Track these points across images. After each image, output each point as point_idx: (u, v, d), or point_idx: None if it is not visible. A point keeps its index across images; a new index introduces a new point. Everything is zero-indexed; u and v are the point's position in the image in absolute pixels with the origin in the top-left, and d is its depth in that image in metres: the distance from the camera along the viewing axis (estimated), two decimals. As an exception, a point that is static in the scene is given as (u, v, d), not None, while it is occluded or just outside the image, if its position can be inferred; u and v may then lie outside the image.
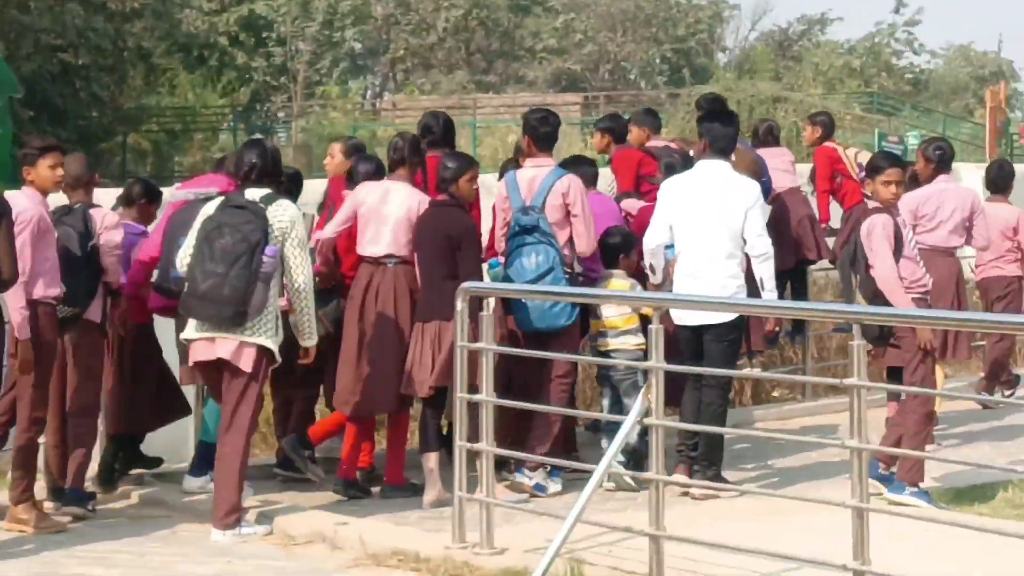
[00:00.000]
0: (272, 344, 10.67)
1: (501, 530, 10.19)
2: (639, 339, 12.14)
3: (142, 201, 12.59)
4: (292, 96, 49.21)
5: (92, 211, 11.63)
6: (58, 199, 11.92)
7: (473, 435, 10.04)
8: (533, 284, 11.68)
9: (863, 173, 16.44)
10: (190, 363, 11.25)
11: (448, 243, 11.58)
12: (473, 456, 10.12)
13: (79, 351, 11.50)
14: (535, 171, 12.33)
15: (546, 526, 10.21)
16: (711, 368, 11.71)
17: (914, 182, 14.50)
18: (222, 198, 11.05)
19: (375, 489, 12.56)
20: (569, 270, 12.02)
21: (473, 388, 10.11)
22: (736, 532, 9.65)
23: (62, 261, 11.21)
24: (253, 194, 10.86)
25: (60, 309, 11.21)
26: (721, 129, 12.49)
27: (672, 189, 12.37)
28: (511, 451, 11.29)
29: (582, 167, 13.40)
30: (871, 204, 12.28)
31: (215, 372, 10.89)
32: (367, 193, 12.05)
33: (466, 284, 10.25)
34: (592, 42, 59.56)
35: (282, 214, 10.71)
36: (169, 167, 39.50)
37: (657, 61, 62.44)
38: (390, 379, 11.86)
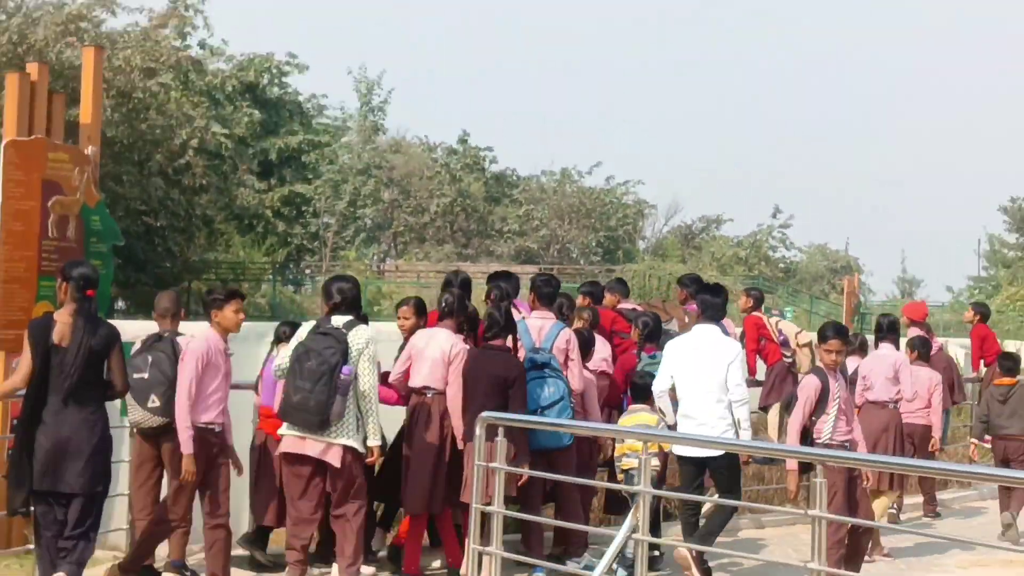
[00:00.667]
0: (354, 443, 10.30)
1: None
2: (655, 462, 11.29)
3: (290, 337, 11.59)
4: (322, 257, 48.97)
5: (179, 339, 11.03)
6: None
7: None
8: (547, 409, 11.25)
9: (781, 336, 16.22)
10: (277, 453, 10.86)
11: (502, 383, 10.99)
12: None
13: (174, 454, 10.71)
14: (541, 321, 11.96)
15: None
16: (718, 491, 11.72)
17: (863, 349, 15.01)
18: (313, 323, 10.78)
19: None
20: (573, 401, 11.54)
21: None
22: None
23: (155, 381, 10.69)
24: (338, 320, 10.58)
25: (154, 419, 10.70)
26: (712, 300, 12.28)
27: (675, 348, 12.08)
28: (518, 555, 10.71)
29: (511, 280, 13.06)
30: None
31: (298, 464, 10.49)
32: (417, 339, 11.61)
33: (484, 414, 9.83)
34: (546, 227, 59.74)
35: (359, 338, 10.47)
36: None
37: (594, 244, 62.46)
38: (423, 485, 11.22)
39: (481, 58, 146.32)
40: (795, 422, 11.29)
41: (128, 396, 10.58)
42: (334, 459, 10.27)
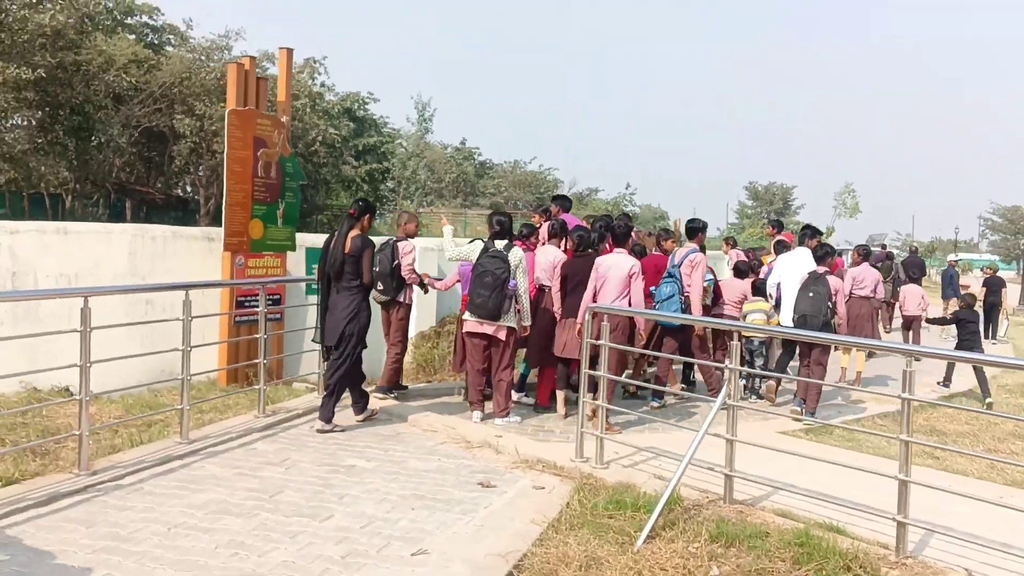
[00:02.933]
0: (513, 324, 8.19)
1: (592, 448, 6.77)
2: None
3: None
4: (394, 204, 46.24)
5: (399, 244, 8.98)
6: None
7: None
8: (664, 302, 9.01)
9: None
10: (463, 332, 8.47)
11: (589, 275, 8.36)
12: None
13: (395, 316, 8.99)
14: (685, 249, 9.39)
15: (628, 451, 7.04)
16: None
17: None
18: (482, 245, 8.41)
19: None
20: (684, 297, 9.10)
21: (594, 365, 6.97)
22: (789, 470, 6.25)
23: (382, 274, 8.76)
24: (500, 244, 8.30)
25: (381, 296, 8.86)
26: (801, 233, 10.53)
27: (782, 262, 10.11)
28: (619, 408, 7.96)
29: (564, 200, 10.40)
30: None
31: (478, 339, 8.24)
32: (538, 253, 8.98)
33: (592, 304, 7.26)
34: (507, 192, 56.93)
35: (515, 257, 8.20)
36: (338, 231, 36.26)
37: (531, 202, 59.25)
38: (544, 347, 8.70)
39: (471, 90, 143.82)
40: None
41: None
42: (501, 335, 8.18)
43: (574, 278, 8.44)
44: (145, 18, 31.14)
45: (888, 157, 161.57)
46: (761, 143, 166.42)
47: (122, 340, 7.98)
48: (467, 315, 8.28)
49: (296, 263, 10.63)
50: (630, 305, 7.95)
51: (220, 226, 9.57)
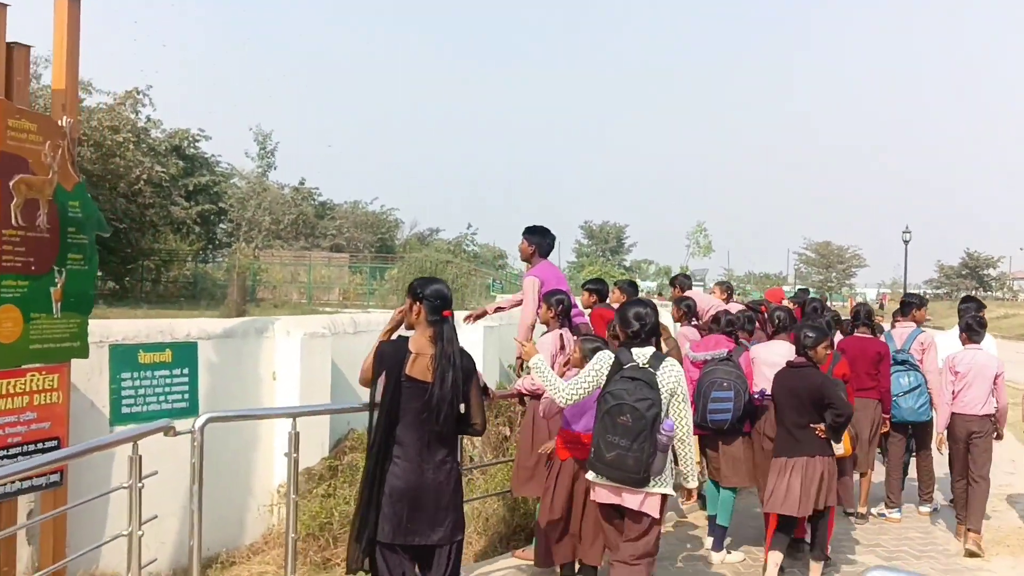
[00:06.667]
0: (670, 489, 4.16)
1: None
2: None
3: None
4: (234, 245, 40.50)
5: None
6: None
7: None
8: (907, 394, 6.94)
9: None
10: (592, 499, 4.34)
11: (810, 396, 5.15)
12: None
13: None
14: (903, 329, 7.40)
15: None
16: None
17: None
18: (611, 357, 4.15)
19: None
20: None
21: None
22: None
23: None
24: (641, 355, 4.11)
25: None
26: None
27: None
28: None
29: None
30: None
31: (614, 511, 4.23)
32: (760, 349, 6.18)
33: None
34: (349, 233, 52.46)
35: (670, 376, 4.07)
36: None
37: (373, 243, 55.17)
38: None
39: (314, 128, 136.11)
40: None
41: None
42: (652, 510, 4.11)
43: (787, 396, 5.18)
44: None
45: (710, 195, 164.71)
46: (591, 183, 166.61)
47: None
48: (592, 475, 4.23)
49: (91, 376, 5.75)
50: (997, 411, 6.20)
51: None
